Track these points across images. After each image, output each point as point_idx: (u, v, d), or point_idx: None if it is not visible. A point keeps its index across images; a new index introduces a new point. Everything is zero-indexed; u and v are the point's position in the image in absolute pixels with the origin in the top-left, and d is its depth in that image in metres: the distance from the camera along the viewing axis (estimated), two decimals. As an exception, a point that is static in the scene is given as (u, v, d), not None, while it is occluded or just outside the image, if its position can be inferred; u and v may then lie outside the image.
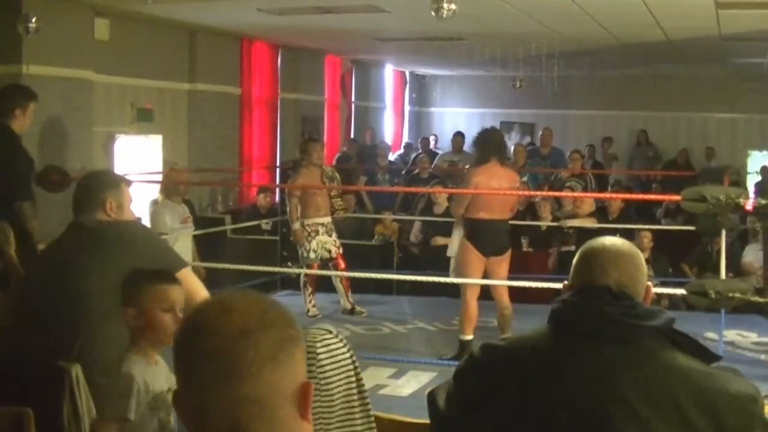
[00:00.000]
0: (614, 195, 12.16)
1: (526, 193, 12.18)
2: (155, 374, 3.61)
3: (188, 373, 1.71)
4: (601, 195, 13.22)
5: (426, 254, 11.80)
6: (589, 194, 12.13)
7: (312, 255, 9.80)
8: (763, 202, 6.71)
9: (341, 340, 3.02)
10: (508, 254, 8.39)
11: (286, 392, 1.70)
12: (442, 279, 8.38)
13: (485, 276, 8.23)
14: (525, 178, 14.01)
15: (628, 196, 12.67)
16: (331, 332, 3.03)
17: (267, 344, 1.68)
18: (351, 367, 3.01)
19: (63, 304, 3.97)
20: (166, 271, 3.75)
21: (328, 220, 9.96)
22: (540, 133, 16.64)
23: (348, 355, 3.01)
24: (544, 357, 2.51)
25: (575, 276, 2.62)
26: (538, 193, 12.27)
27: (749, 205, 7.02)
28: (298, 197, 9.82)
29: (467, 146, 15.04)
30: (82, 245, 4.13)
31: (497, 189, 8.19)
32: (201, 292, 4.18)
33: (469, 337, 8.13)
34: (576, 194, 10.99)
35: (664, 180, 16.34)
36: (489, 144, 8.43)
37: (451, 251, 8.69)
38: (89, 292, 3.90)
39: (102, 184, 4.38)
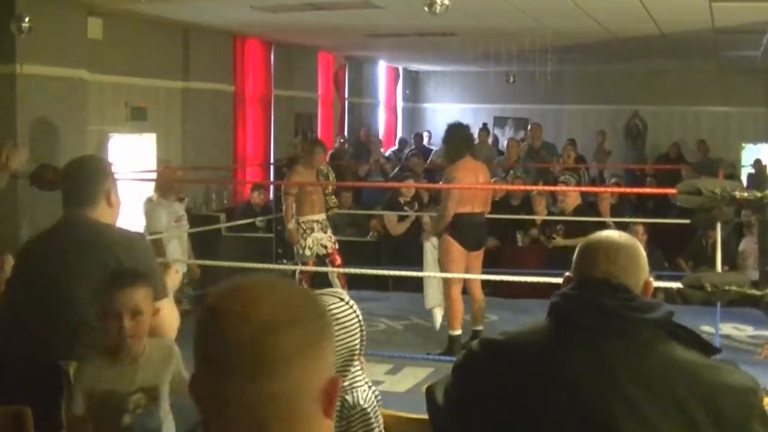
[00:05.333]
0: (607, 189, 12.14)
1: (519, 187, 12.18)
2: (111, 374, 3.66)
3: (209, 363, 1.62)
4: (595, 189, 13.22)
5: (409, 246, 11.58)
6: (583, 188, 12.11)
7: (308, 252, 9.82)
8: (759, 194, 6.71)
9: (351, 306, 3.05)
10: (483, 249, 8.57)
11: (311, 389, 1.63)
12: (436, 274, 8.36)
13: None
14: (519, 173, 14.03)
15: (621, 189, 12.66)
16: (342, 299, 3.06)
17: (295, 339, 1.61)
18: (357, 332, 3.05)
19: (55, 302, 3.91)
20: (124, 274, 3.73)
21: (323, 216, 10.00)
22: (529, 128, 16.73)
23: (355, 321, 3.05)
24: (543, 350, 2.51)
25: (574, 269, 2.63)
26: (533, 187, 12.26)
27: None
28: (294, 195, 9.83)
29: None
30: (76, 244, 4.02)
31: (477, 183, 8.37)
32: (171, 326, 4.07)
33: (458, 331, 8.21)
34: (570, 188, 10.96)
35: (658, 174, 16.31)
36: (462, 140, 8.58)
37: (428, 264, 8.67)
38: (80, 293, 3.84)
39: (101, 172, 4.22)
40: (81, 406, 3.64)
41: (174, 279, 4.39)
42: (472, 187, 8.25)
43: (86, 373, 3.67)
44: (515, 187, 12.21)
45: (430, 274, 8.54)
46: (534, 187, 12.26)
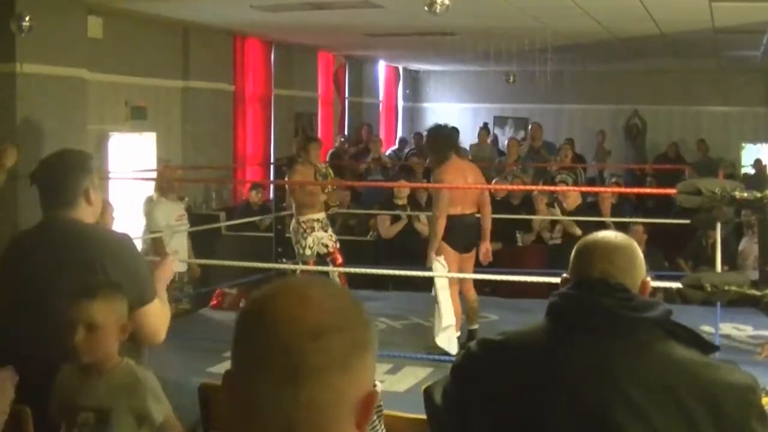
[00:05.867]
0: (607, 189, 12.14)
1: (517, 187, 12.17)
2: (74, 385, 3.62)
3: (248, 363, 1.57)
4: (595, 189, 13.21)
5: (405, 246, 11.54)
6: (583, 188, 12.11)
7: (308, 252, 9.81)
8: (758, 194, 6.71)
9: None
10: (475, 251, 8.39)
11: (349, 401, 1.57)
12: (435, 274, 8.28)
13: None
14: (519, 173, 14.04)
15: (621, 189, 12.65)
16: None
17: (340, 349, 1.56)
18: None
19: (45, 305, 3.85)
20: (84, 287, 3.64)
21: (323, 215, 9.98)
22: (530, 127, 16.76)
23: None
24: (541, 351, 2.51)
25: (572, 269, 2.63)
26: (531, 187, 12.26)
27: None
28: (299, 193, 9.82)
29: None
30: (59, 247, 3.94)
31: (466, 184, 8.17)
32: (159, 329, 4.02)
33: (456, 333, 8.14)
34: (570, 188, 10.97)
35: (658, 173, 16.30)
36: (445, 141, 8.39)
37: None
38: (66, 296, 3.75)
39: (80, 169, 4.07)
40: (55, 411, 3.65)
41: (169, 269, 4.34)
42: (462, 187, 8.10)
43: (58, 378, 3.66)
44: (512, 187, 12.19)
45: (426, 274, 8.38)
46: (533, 187, 12.25)
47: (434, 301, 8.12)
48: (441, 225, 8.10)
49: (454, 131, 8.70)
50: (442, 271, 8.11)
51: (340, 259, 9.96)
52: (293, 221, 9.88)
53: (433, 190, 8.56)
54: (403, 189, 11.73)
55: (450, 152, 8.26)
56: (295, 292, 1.61)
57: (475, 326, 8.31)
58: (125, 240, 4.21)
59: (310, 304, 1.58)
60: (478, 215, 8.48)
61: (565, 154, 14.19)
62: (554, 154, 15.04)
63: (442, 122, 9.00)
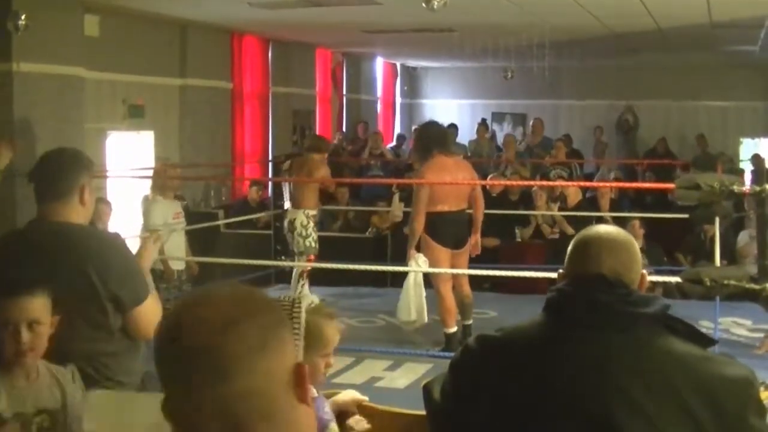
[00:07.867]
0: (605, 184, 12.13)
1: (510, 182, 12.16)
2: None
3: (173, 377, 1.59)
4: (594, 184, 13.20)
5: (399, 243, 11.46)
6: (582, 183, 12.10)
7: (316, 244, 9.66)
8: (757, 188, 6.70)
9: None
10: (467, 246, 8.36)
11: (281, 379, 1.60)
12: (430, 270, 8.26)
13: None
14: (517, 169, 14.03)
15: (620, 184, 12.65)
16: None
17: (254, 333, 1.58)
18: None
19: None
20: (15, 282, 3.49)
21: None
22: (531, 123, 16.73)
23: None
24: (539, 347, 2.50)
25: (570, 265, 2.62)
26: (521, 182, 12.23)
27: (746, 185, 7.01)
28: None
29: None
30: (56, 249, 3.88)
31: (452, 180, 8.10)
32: (151, 327, 3.94)
33: (453, 329, 8.12)
34: (567, 183, 10.94)
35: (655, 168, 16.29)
36: (429, 138, 8.32)
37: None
38: (63, 295, 3.71)
39: (77, 166, 4.04)
40: None
41: (149, 251, 4.28)
42: (438, 183, 8.02)
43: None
44: (501, 182, 12.16)
45: (419, 270, 8.37)
46: (522, 182, 12.23)
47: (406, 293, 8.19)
48: (418, 224, 8.06)
49: (450, 128, 8.64)
50: (416, 270, 8.13)
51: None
52: (300, 215, 9.63)
53: (414, 188, 8.50)
54: None
55: (435, 150, 8.17)
56: (196, 298, 1.66)
57: (469, 322, 8.30)
58: (116, 240, 4.18)
59: (213, 303, 1.62)
60: (470, 211, 8.46)
61: (558, 149, 14.18)
62: (549, 151, 15.03)
63: (437, 119, 9.01)
